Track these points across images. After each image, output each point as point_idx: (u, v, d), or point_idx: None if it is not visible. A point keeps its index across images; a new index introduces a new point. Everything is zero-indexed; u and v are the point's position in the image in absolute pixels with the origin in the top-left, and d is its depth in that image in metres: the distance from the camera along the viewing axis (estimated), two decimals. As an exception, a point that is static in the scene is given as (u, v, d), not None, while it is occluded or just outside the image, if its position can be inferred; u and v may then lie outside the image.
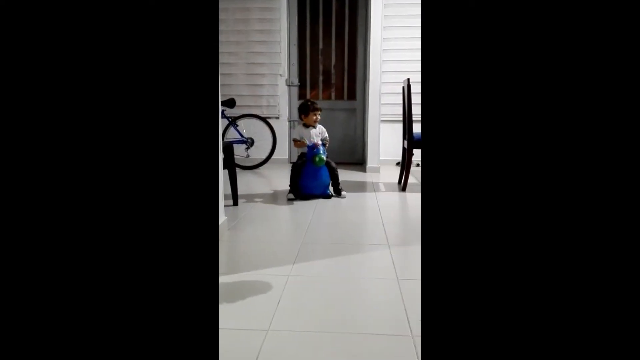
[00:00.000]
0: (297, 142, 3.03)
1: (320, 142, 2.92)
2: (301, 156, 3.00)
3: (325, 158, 2.82)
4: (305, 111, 3.06)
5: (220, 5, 4.32)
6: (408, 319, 1.32)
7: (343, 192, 3.00)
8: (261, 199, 3.02)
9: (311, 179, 2.90)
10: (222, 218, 2.18)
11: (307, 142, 2.94)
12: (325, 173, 2.92)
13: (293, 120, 4.66)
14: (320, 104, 3.18)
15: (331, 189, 3.03)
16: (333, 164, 3.00)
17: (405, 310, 1.38)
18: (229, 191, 2.77)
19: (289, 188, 3.02)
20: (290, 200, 2.92)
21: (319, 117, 3.07)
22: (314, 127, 3.07)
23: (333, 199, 2.99)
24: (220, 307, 1.41)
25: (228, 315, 1.35)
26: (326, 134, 3.13)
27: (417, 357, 1.13)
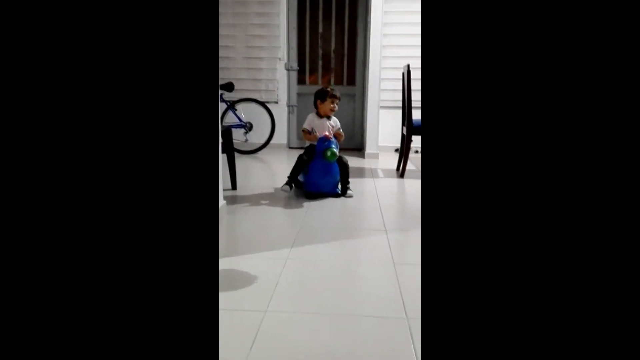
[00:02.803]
0: (307, 133, 2.71)
1: (332, 135, 2.63)
2: (309, 150, 2.68)
3: (337, 153, 2.51)
4: (322, 97, 2.72)
5: (219, -13, 4.26)
6: (403, 302, 1.35)
7: (349, 192, 2.67)
8: (260, 184, 3.03)
9: (320, 175, 2.57)
10: (220, 202, 2.20)
11: (318, 134, 2.63)
12: (335, 169, 2.59)
13: (292, 105, 4.66)
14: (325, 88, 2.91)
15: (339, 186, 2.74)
16: (345, 160, 2.68)
17: (401, 293, 1.41)
18: (228, 175, 2.79)
19: (287, 179, 2.68)
20: (284, 192, 2.65)
21: (336, 107, 2.73)
22: (329, 117, 2.76)
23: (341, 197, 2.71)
24: (219, 287, 1.43)
25: (227, 296, 1.38)
26: (341, 129, 2.81)
27: (412, 338, 1.16)
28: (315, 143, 2.62)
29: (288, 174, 2.71)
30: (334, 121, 2.80)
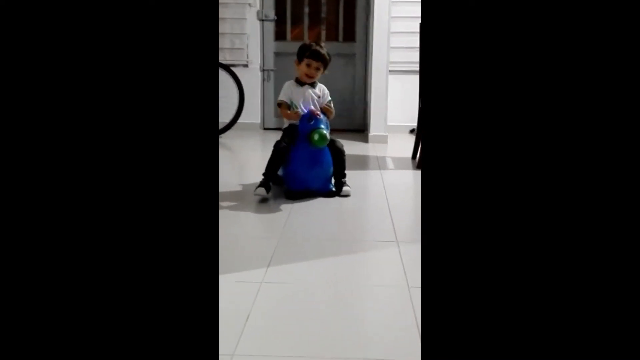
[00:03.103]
0: (284, 108, 2.69)
1: (319, 111, 2.59)
2: (288, 132, 2.66)
3: (328, 135, 2.46)
4: (299, 55, 2.69)
5: None
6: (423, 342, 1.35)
7: (345, 187, 2.65)
8: (225, 180, 3.03)
9: (305, 166, 2.54)
10: None
11: (300, 110, 2.61)
12: (326, 158, 2.57)
13: (267, 70, 4.64)
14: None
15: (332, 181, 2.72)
16: (339, 144, 2.66)
17: (418, 327, 1.41)
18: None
19: (261, 177, 2.61)
20: (258, 196, 2.56)
21: (315, 73, 2.67)
22: (313, 85, 2.72)
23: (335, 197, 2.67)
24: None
25: None
26: (329, 98, 2.77)
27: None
28: (297, 123, 2.59)
29: (263, 170, 2.62)
30: (321, 89, 2.75)
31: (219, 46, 4.54)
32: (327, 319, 1.48)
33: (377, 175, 3.17)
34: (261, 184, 2.55)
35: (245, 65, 4.58)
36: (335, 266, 1.85)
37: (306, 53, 2.64)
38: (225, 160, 3.63)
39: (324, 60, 2.65)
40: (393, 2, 4.08)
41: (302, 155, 2.52)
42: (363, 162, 3.48)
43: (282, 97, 2.70)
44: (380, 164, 3.46)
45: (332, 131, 2.59)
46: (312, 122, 2.47)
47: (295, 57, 2.74)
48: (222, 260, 1.87)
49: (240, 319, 1.45)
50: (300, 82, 2.70)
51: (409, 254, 1.94)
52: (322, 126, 2.45)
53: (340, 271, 1.82)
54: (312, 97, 2.68)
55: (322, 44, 2.74)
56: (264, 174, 2.59)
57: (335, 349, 1.32)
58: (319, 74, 2.68)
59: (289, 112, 2.65)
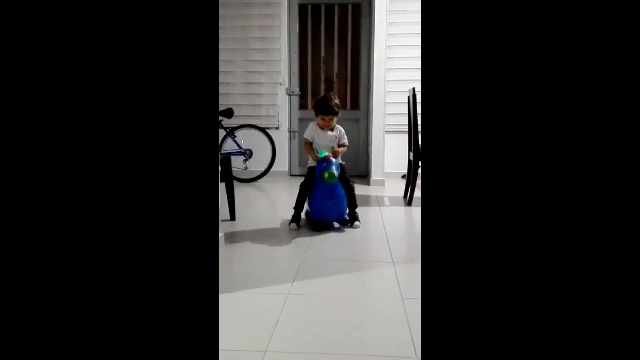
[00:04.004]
0: (307, 144, 2.64)
1: (331, 156, 2.50)
2: (309, 172, 2.59)
3: (336, 173, 2.40)
4: (315, 110, 2.62)
5: (219, 12, 4.38)
6: (413, 341, 1.33)
7: (356, 222, 2.60)
8: (260, 214, 3.04)
9: (324, 200, 2.48)
10: (219, 233, 2.20)
11: (318, 156, 2.52)
12: (340, 192, 2.49)
13: (293, 131, 4.71)
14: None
15: (347, 212, 2.63)
16: (350, 180, 2.60)
17: (410, 331, 1.39)
18: (226, 205, 2.79)
19: (293, 211, 2.61)
20: (292, 230, 2.53)
21: (329, 122, 2.60)
22: (331, 129, 2.64)
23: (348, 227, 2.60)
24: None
25: (224, 335, 1.36)
26: (345, 140, 2.67)
27: (423, 381, 1.13)
28: (315, 165, 2.54)
29: (290, 206, 2.63)
30: (338, 131, 2.66)
31: (257, 114, 4.64)
32: (339, 323, 1.46)
33: (377, 210, 3.15)
34: (292, 219, 2.58)
35: (277, 128, 4.65)
36: (346, 281, 1.83)
37: (318, 110, 2.59)
38: (261, 199, 3.64)
39: (333, 113, 2.58)
40: (388, 80, 4.15)
41: (320, 191, 2.48)
42: (366, 200, 3.47)
43: (306, 135, 2.66)
44: (379, 201, 3.45)
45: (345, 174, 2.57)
46: (324, 165, 2.43)
47: (314, 107, 2.68)
48: (257, 276, 1.87)
49: (272, 323, 1.44)
50: (321, 128, 2.64)
51: (402, 272, 1.92)
52: (332, 167, 2.41)
53: (350, 285, 1.79)
54: (331, 137, 2.63)
55: (333, 95, 2.67)
56: (294, 208, 2.60)
57: (345, 346, 1.31)
58: (334, 122, 2.63)
59: (310, 153, 2.60)
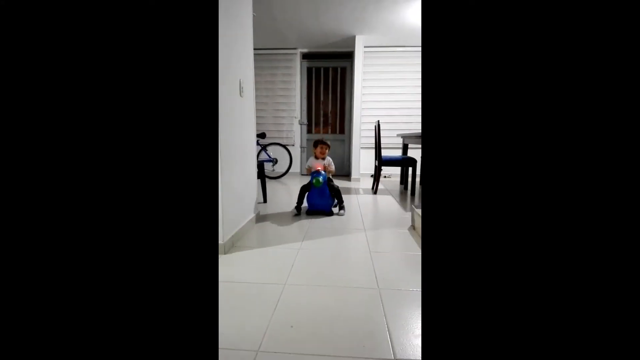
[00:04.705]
0: (307, 169, 2.56)
1: (322, 170, 2.43)
2: (308, 183, 2.49)
3: (321, 181, 2.32)
4: (314, 145, 2.60)
5: (255, 72, 4.38)
6: (376, 278, 1.35)
7: (342, 211, 2.43)
8: (282, 199, 3.05)
9: (317, 198, 2.38)
10: (256, 211, 2.21)
11: (313, 169, 2.47)
12: (327, 193, 2.39)
13: (303, 147, 4.70)
14: (320, 137, 2.91)
15: (336, 206, 2.50)
16: (336, 185, 2.47)
17: (375, 271, 1.41)
18: (261, 193, 2.81)
19: (295, 205, 2.49)
20: (296, 216, 2.36)
21: (324, 150, 2.55)
22: (323, 159, 2.55)
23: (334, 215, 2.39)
24: (253, 264, 1.44)
25: (258, 274, 1.38)
26: (332, 167, 2.55)
27: (381, 301, 1.16)
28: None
29: (296, 201, 2.50)
30: (327, 161, 2.57)
31: (280, 136, 4.58)
32: (331, 266, 1.46)
33: (355, 197, 3.12)
34: (295, 208, 2.47)
35: (293, 145, 4.61)
36: (335, 241, 1.82)
37: (318, 144, 2.58)
38: (283, 189, 3.63)
39: (326, 144, 2.58)
40: (363, 115, 4.14)
41: (314, 193, 2.38)
42: (348, 190, 3.44)
43: (308, 163, 2.59)
44: (356, 191, 3.42)
45: (334, 176, 2.55)
46: (314, 174, 2.36)
47: (312, 145, 2.66)
48: (280, 238, 1.89)
49: (289, 266, 1.46)
50: (316, 157, 2.58)
51: (370, 236, 1.91)
52: (320, 177, 2.32)
53: (337, 243, 1.79)
54: (323, 165, 2.54)
55: (324, 136, 2.72)
56: (297, 202, 2.49)
57: (335, 280, 1.31)
58: (326, 152, 2.61)
59: (308, 172, 2.50)
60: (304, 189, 2.45)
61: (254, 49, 3.45)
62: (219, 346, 0.90)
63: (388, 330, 0.99)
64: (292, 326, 1.01)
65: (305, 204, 2.54)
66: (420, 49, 4.16)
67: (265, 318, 1.05)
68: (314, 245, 1.74)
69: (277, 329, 0.99)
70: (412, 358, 0.86)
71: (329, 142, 2.60)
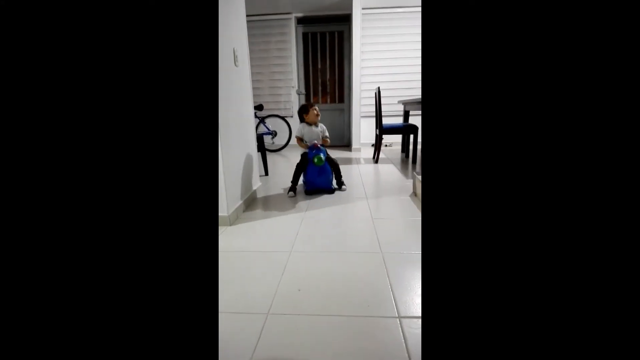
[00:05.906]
0: (299, 140, 2.23)
1: (319, 143, 2.17)
2: (303, 156, 2.18)
3: (324, 158, 2.08)
4: (305, 111, 2.23)
5: (248, 40, 4.21)
6: (379, 243, 1.39)
7: (343, 186, 2.22)
8: (283, 171, 3.06)
9: (315, 175, 2.14)
10: (258, 184, 2.21)
11: (308, 143, 2.18)
12: (328, 169, 2.15)
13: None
14: (319, 106, 2.56)
15: (334, 182, 2.27)
16: (335, 160, 2.23)
17: (377, 237, 1.44)
18: (262, 166, 2.81)
19: (290, 184, 2.19)
20: (291, 196, 2.10)
21: (319, 111, 2.24)
22: (316, 125, 2.26)
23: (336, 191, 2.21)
24: (259, 234, 1.47)
25: (265, 242, 1.42)
26: (327, 133, 2.27)
27: (385, 265, 1.20)
28: (307, 151, 2.17)
29: (291, 180, 2.22)
30: (321, 127, 2.27)
31: (278, 107, 4.50)
32: (335, 233, 1.48)
33: (356, 167, 3.12)
34: (290, 189, 2.16)
35: (291, 116, 4.53)
36: (338, 210, 1.84)
37: (310, 106, 2.22)
38: (283, 162, 3.63)
39: (311, 105, 2.26)
40: (362, 82, 4.04)
41: (312, 170, 2.15)
42: (348, 161, 3.44)
43: (297, 133, 2.25)
44: (357, 161, 3.42)
45: (332, 147, 2.44)
46: (314, 151, 2.11)
47: (300, 112, 2.28)
48: (284, 207, 1.91)
49: (293, 234, 1.49)
50: (308, 124, 2.24)
51: (372, 204, 1.93)
52: (321, 154, 2.09)
53: (340, 212, 1.81)
54: (317, 133, 2.25)
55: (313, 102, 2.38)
56: (291, 182, 2.19)
57: (339, 246, 1.34)
58: (318, 118, 2.28)
59: (301, 144, 2.24)
60: (299, 168, 2.18)
61: (246, 15, 3.29)
62: (231, 311, 0.95)
63: (392, 290, 1.03)
64: (299, 290, 1.05)
65: (300, 182, 2.33)
66: (420, 9, 3.96)
67: (273, 283, 1.09)
68: (317, 215, 1.77)
69: (285, 293, 1.03)
70: (414, 315, 0.91)
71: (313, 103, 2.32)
